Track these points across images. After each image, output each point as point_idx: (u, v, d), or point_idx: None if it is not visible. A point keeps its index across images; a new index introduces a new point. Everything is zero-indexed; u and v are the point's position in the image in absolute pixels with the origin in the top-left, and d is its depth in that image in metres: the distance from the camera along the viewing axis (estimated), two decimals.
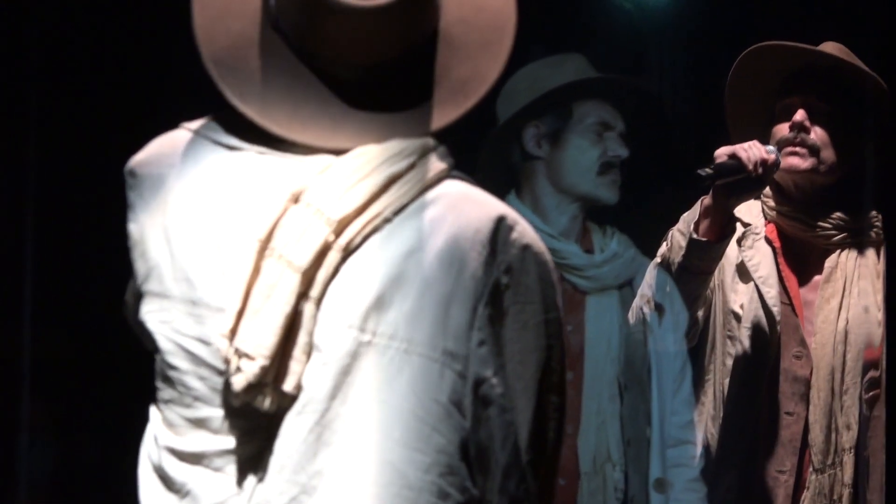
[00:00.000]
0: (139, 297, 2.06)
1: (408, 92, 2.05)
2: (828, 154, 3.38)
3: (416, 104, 2.04)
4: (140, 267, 2.05)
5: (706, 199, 3.27)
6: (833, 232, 3.44)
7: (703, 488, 3.52)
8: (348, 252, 1.97)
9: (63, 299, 3.85)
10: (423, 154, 2.02)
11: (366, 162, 1.99)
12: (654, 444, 3.82)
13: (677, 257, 3.30)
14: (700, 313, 3.43)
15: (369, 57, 2.02)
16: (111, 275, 3.79)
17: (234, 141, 2.05)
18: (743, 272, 3.41)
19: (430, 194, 2.01)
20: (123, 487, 3.79)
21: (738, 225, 3.43)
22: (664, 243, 3.39)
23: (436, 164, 2.02)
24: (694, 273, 3.32)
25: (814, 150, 3.38)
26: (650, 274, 3.43)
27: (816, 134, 3.37)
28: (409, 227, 1.98)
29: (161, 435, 2.03)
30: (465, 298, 1.97)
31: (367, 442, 1.93)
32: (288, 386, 1.94)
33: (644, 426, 3.91)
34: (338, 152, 2.01)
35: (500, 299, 1.99)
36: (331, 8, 1.99)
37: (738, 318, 3.42)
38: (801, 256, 3.47)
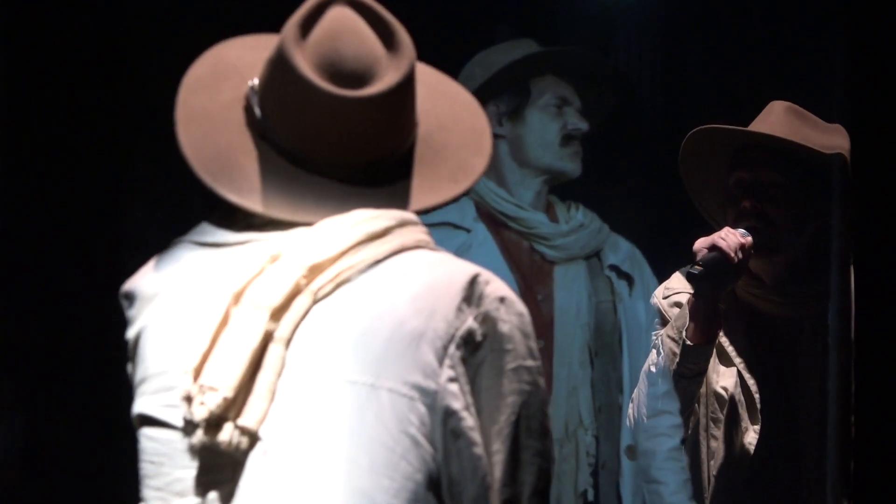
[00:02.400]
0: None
1: (401, 181, 2.09)
2: (782, 228, 3.35)
3: (410, 189, 2.09)
4: (134, 373, 2.07)
5: (693, 301, 3.28)
6: (805, 303, 3.40)
7: (683, 457, 3.50)
8: (318, 298, 1.97)
9: (30, 278, 3.86)
10: (402, 224, 2.03)
11: (343, 221, 2.01)
12: (626, 412, 3.84)
13: (672, 365, 3.32)
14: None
15: (363, 152, 2.05)
16: (79, 253, 3.81)
17: (217, 238, 2.06)
18: (723, 354, 3.39)
19: (407, 254, 2.01)
20: (90, 464, 3.81)
21: None
22: (653, 350, 3.39)
23: (415, 235, 2.03)
24: (690, 377, 3.34)
25: (767, 231, 3.33)
26: (642, 382, 3.42)
27: (768, 210, 3.33)
28: (383, 279, 1.98)
29: None
30: (435, 338, 1.96)
31: (335, 472, 1.92)
32: (248, 422, 1.93)
33: (616, 394, 3.95)
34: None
35: (475, 348, 1.98)
36: (324, 98, 2.01)
37: (720, 400, 3.39)
38: (779, 330, 3.44)
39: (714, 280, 3.25)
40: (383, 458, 1.92)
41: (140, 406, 2.03)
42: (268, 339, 1.94)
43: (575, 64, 4.02)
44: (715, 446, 3.40)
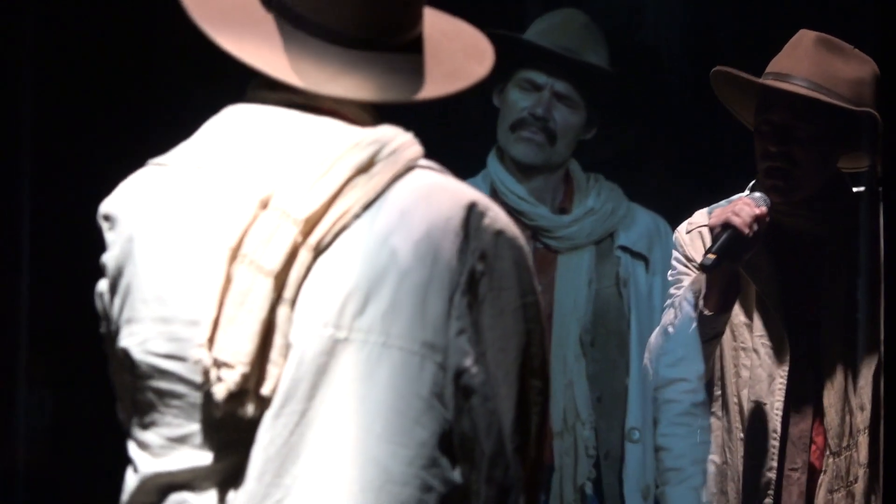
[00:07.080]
0: (116, 334, 2.05)
1: (403, 66, 2.06)
2: (807, 169, 3.36)
3: (412, 75, 2.06)
4: (116, 302, 2.04)
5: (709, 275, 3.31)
6: (830, 217, 3.43)
7: (694, 421, 3.46)
8: (319, 251, 1.93)
9: (61, 250, 3.89)
10: (389, 143, 1.98)
11: (328, 156, 1.96)
12: (633, 395, 3.82)
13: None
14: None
15: (371, 27, 2.03)
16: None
17: (199, 161, 2.01)
18: (746, 287, 3.40)
19: (399, 185, 1.96)
20: (120, 439, 3.88)
21: None
22: (670, 310, 3.41)
23: (403, 154, 1.98)
24: (706, 340, 3.37)
25: (791, 172, 3.35)
26: (659, 336, 3.45)
27: (794, 152, 3.34)
28: (380, 222, 1.94)
29: (141, 462, 2.02)
30: (441, 288, 1.93)
31: (348, 439, 1.90)
32: (266, 390, 1.91)
33: (622, 378, 3.89)
34: (307, 146, 2.02)
35: (476, 287, 1.95)
36: None
37: (749, 328, 3.42)
38: (802, 246, 3.45)
39: (729, 258, 3.27)
40: (397, 423, 1.90)
41: (136, 350, 2.00)
42: (274, 303, 1.92)
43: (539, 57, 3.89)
44: (746, 375, 3.41)
